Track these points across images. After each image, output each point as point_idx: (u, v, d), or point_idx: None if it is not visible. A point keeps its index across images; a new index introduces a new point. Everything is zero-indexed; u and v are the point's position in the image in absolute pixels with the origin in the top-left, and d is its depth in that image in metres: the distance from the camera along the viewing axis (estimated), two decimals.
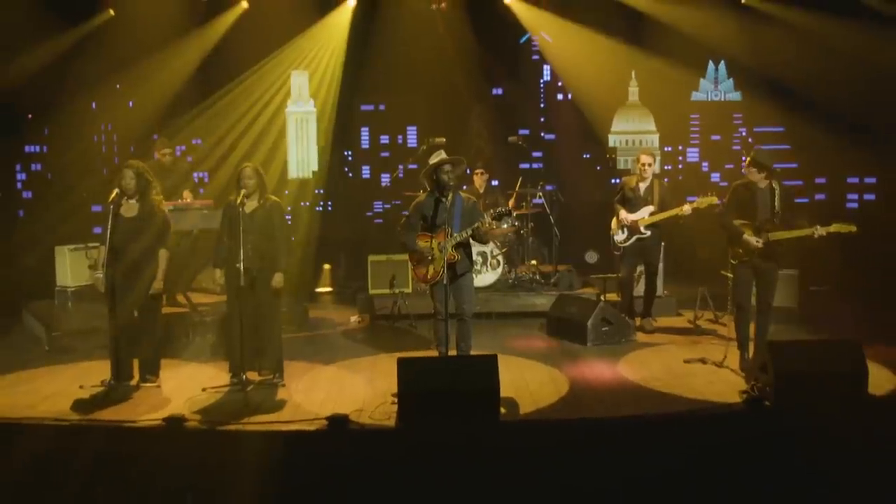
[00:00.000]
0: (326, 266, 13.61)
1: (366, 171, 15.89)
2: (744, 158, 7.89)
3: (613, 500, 5.55)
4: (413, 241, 7.42)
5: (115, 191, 7.14)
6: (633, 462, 5.74)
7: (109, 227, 7.03)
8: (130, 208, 7.18)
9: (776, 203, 7.50)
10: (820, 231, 7.26)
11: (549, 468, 5.70)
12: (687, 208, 9.19)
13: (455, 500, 5.56)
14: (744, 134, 15.22)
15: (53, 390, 7.22)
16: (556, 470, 5.68)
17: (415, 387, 6.17)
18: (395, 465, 5.81)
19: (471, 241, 7.45)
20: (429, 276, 7.32)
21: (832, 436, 5.90)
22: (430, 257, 7.29)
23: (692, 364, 7.96)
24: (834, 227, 7.24)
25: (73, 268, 10.20)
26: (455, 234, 7.17)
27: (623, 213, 9.49)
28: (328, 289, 13.20)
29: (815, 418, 6.16)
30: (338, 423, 6.19)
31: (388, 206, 15.40)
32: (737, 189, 7.74)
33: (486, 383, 6.17)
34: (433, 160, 7.35)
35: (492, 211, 7.24)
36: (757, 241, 7.45)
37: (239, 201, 7.09)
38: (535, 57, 15.78)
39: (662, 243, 9.97)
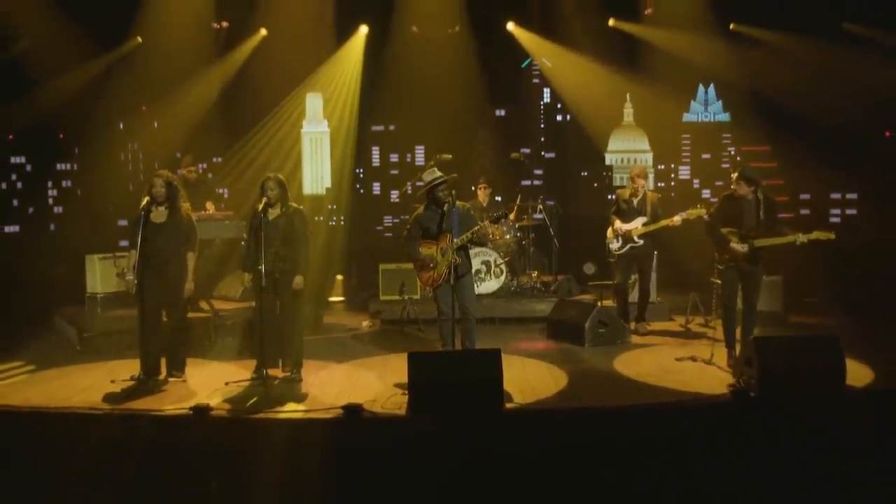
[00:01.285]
0: (339, 277, 13.77)
1: (376, 188, 16.14)
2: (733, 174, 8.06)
3: (608, 482, 5.71)
4: (416, 250, 7.66)
5: (146, 198, 7.36)
6: (627, 446, 5.91)
7: (140, 232, 7.24)
8: (160, 215, 7.39)
9: (761, 213, 7.68)
10: (801, 238, 7.43)
11: (549, 452, 5.87)
12: (677, 219, 9.38)
13: (461, 482, 5.72)
14: (732, 153, 15.46)
15: (86, 385, 7.39)
16: (554, 453, 5.85)
17: (424, 378, 6.33)
18: (407, 450, 5.99)
19: (468, 245, 7.68)
20: (433, 280, 7.53)
21: (812, 424, 6.09)
22: (432, 263, 7.51)
23: (683, 362, 8.12)
24: (815, 235, 7.42)
25: (102, 275, 10.41)
26: (456, 239, 7.39)
27: (618, 223, 9.70)
28: (340, 298, 13.35)
29: (797, 408, 6.33)
30: (352, 411, 6.34)
31: (396, 220, 15.62)
32: (724, 199, 7.93)
33: (491, 375, 6.34)
34: (427, 177, 7.63)
35: (492, 214, 7.47)
36: (742, 248, 7.63)
37: (262, 209, 7.32)
38: (536, 80, 16.07)
39: (655, 252, 10.15)
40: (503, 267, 10.89)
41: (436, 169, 7.66)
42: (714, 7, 12.93)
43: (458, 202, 7.70)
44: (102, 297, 10.27)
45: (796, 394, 6.45)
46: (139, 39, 12.96)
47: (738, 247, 7.63)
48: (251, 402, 6.83)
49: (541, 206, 11.59)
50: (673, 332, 9.94)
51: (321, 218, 14.81)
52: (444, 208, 7.54)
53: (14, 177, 14.79)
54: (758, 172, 7.85)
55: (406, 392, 6.66)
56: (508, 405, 6.57)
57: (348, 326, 10.77)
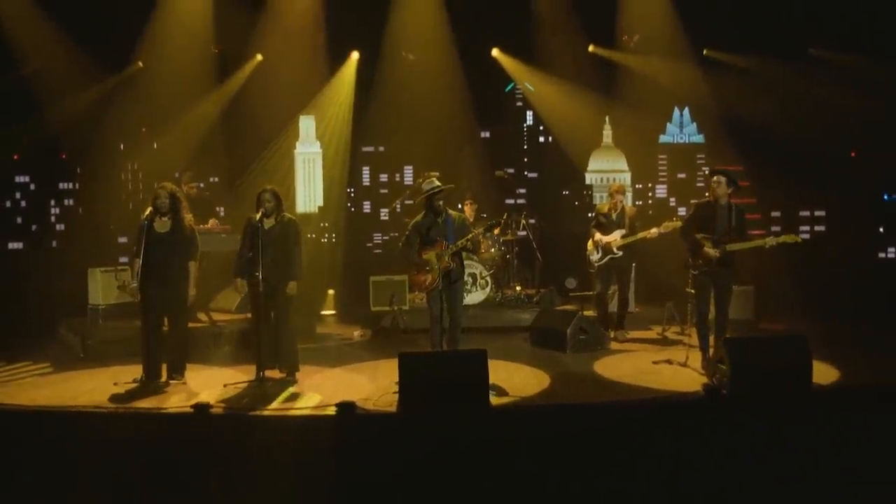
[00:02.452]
0: (330, 291, 13.90)
1: (367, 206, 16.32)
2: (710, 173, 8.29)
3: (589, 473, 5.86)
4: (413, 254, 7.83)
5: (149, 209, 7.51)
6: (606, 440, 6.07)
7: (144, 241, 7.38)
8: (163, 225, 7.54)
9: (733, 219, 7.91)
10: (770, 241, 7.64)
11: (532, 445, 6.02)
12: (654, 231, 9.60)
13: (450, 475, 5.85)
14: (707, 172, 15.68)
15: (91, 387, 7.50)
16: (537, 446, 6.00)
17: (414, 377, 6.47)
18: (397, 444, 6.13)
19: (462, 252, 7.87)
20: (427, 283, 7.69)
21: (780, 419, 6.27)
22: (428, 267, 7.69)
23: (659, 365, 8.30)
24: (782, 238, 7.62)
25: (103, 288, 10.48)
26: (451, 245, 7.58)
27: (598, 236, 9.92)
28: (332, 312, 13.48)
29: (766, 404, 6.51)
30: (346, 408, 6.47)
31: (386, 237, 15.77)
32: (699, 206, 8.13)
33: (477, 374, 6.49)
34: (426, 187, 7.82)
35: (488, 222, 7.69)
36: (715, 252, 7.82)
37: (258, 218, 7.48)
38: (519, 104, 16.32)
39: (633, 263, 10.35)
40: (488, 279, 11.07)
41: (434, 179, 7.86)
42: (688, 34, 13.21)
43: (453, 212, 7.92)
44: (104, 309, 10.35)
45: (766, 391, 6.63)
46: (140, 64, 13.13)
47: (711, 251, 7.83)
48: (249, 401, 6.96)
49: (524, 222, 11.79)
50: (650, 339, 10.11)
51: (313, 235, 14.96)
52: (441, 216, 7.74)
53: (18, 195, 14.93)
54: (736, 175, 8.10)
55: (397, 391, 6.79)
56: (494, 401, 6.72)
57: (341, 336, 10.89)
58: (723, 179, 7.92)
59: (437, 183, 7.81)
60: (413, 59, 13.83)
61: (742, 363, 6.73)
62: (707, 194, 8.15)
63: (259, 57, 13.85)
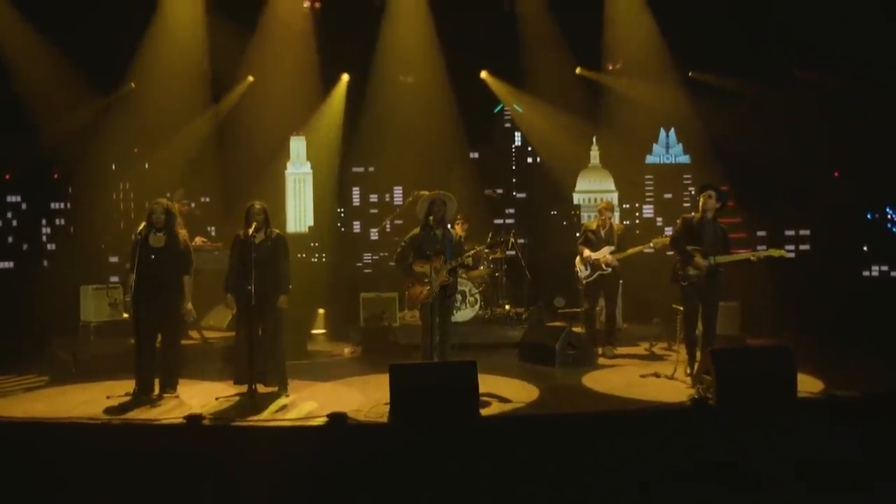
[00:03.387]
0: (320, 310, 13.94)
1: (357, 226, 16.42)
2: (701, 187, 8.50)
3: (579, 482, 5.94)
4: (410, 265, 7.91)
5: (143, 224, 7.59)
6: (595, 448, 6.17)
7: (138, 255, 7.46)
8: (158, 240, 7.61)
9: (719, 233, 8.10)
10: (758, 254, 7.86)
11: (521, 454, 6.11)
12: (651, 245, 9.76)
13: (441, 484, 5.92)
14: (693, 192, 15.89)
15: (84, 400, 7.51)
16: (526, 456, 6.09)
17: (405, 388, 6.54)
18: (388, 454, 6.20)
19: (458, 268, 7.98)
20: (423, 296, 7.77)
21: (765, 427, 6.39)
22: (426, 279, 7.76)
23: (647, 378, 8.40)
24: (768, 252, 7.82)
25: (95, 305, 10.51)
26: (452, 261, 7.68)
27: (587, 252, 10.03)
28: (322, 330, 13.51)
29: (751, 413, 6.62)
30: (337, 419, 6.54)
31: (376, 257, 15.87)
32: (686, 220, 8.29)
33: (467, 384, 6.57)
34: (426, 201, 7.95)
35: (492, 241, 7.83)
36: (705, 262, 7.98)
37: (249, 233, 7.55)
38: (508, 125, 16.50)
39: (621, 280, 10.47)
40: (477, 296, 11.17)
41: (436, 195, 8.00)
42: (673, 56, 13.43)
43: (450, 230, 8.03)
44: (96, 325, 10.38)
45: (751, 400, 6.74)
46: (132, 85, 13.24)
47: (702, 261, 7.98)
48: (241, 412, 7.01)
49: (513, 241, 11.91)
50: (639, 355, 10.18)
51: (304, 255, 15.04)
52: (438, 230, 7.84)
53: (10, 215, 14.98)
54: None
55: (388, 403, 6.85)
56: (484, 412, 6.80)
57: (331, 353, 10.94)
58: (713, 193, 8.11)
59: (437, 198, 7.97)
60: (410, 82, 13.98)
61: (728, 373, 6.84)
62: (694, 213, 8.31)
63: (250, 78, 13.98)
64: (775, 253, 7.78)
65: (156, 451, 6.30)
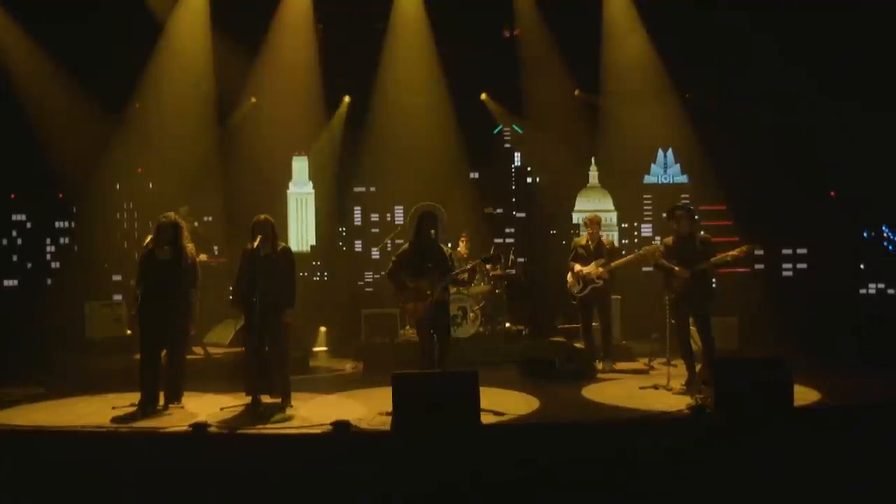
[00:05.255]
0: (322, 329, 14.01)
1: (358, 245, 16.52)
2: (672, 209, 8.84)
3: (581, 490, 6.02)
4: (403, 281, 7.98)
5: (149, 237, 7.72)
6: (596, 457, 6.25)
7: (145, 268, 7.58)
8: (164, 253, 7.73)
9: (697, 245, 8.47)
10: (732, 253, 8.28)
11: (522, 463, 6.19)
12: (646, 250, 9.88)
13: (444, 492, 6.00)
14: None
15: (90, 411, 7.61)
16: (528, 465, 6.17)
17: (407, 397, 6.64)
18: (391, 461, 6.28)
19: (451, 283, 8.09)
20: (418, 311, 7.87)
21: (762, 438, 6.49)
22: (421, 295, 7.85)
23: (646, 390, 8.49)
24: (743, 249, 8.24)
25: (100, 321, 10.63)
26: (448, 276, 7.78)
27: (577, 267, 10.13)
28: (324, 348, 13.59)
29: (749, 423, 6.71)
30: (341, 427, 6.63)
31: (377, 276, 15.95)
32: (666, 242, 8.83)
33: (469, 393, 6.67)
34: (416, 217, 8.11)
35: (486, 255, 7.99)
36: (685, 272, 8.34)
37: (256, 246, 7.67)
38: (507, 145, 16.64)
39: (613, 297, 10.61)
40: (477, 312, 11.25)
41: (424, 207, 8.13)
42: (671, 77, 13.58)
43: (443, 246, 8.14)
44: (100, 341, 10.47)
45: (748, 409, 6.83)
46: (136, 105, 13.38)
47: (681, 271, 8.22)
48: (246, 421, 7.10)
49: (512, 258, 12.02)
50: (638, 369, 10.27)
51: (305, 273, 15.12)
52: (430, 246, 7.94)
53: (14, 233, 15.11)
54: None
55: (390, 413, 6.94)
56: (486, 421, 6.89)
57: (334, 368, 11.03)
58: (683, 213, 8.56)
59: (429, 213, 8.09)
60: (411, 103, 14.10)
61: (727, 383, 6.94)
62: (670, 237, 8.77)
63: (253, 99, 14.12)
64: (751, 249, 8.29)
65: (161, 459, 6.37)
